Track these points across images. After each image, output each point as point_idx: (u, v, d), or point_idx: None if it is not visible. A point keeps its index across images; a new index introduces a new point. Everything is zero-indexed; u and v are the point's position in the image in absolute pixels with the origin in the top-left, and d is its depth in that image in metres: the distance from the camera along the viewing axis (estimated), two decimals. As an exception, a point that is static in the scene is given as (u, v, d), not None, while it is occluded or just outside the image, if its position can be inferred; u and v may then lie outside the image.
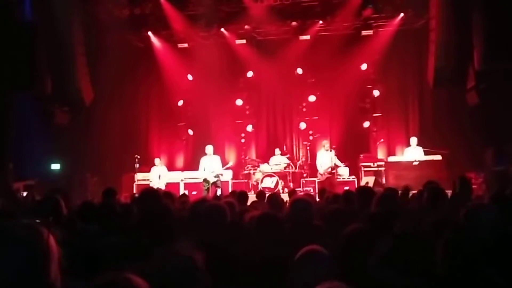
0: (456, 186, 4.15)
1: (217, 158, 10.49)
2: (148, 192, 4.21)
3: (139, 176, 11.72)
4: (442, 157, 10.46)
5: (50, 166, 11.20)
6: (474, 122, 10.53)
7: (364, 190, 4.86)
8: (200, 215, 3.14)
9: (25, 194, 9.30)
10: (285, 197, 8.09)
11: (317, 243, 2.68)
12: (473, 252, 2.32)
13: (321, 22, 12.27)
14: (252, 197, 7.32)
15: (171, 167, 12.84)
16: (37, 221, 1.61)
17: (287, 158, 12.25)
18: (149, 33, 12.73)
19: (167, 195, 5.70)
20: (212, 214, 3.13)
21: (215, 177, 10.17)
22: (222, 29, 12.63)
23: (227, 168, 11.09)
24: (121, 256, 2.70)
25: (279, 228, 3.12)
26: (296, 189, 10.20)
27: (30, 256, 1.50)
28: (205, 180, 10.27)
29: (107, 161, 11.85)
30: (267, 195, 6.31)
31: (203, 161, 10.37)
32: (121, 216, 3.92)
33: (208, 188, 10.18)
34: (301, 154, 13.07)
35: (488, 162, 10.23)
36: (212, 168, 10.23)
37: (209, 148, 10.48)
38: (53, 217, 2.60)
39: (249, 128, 13.35)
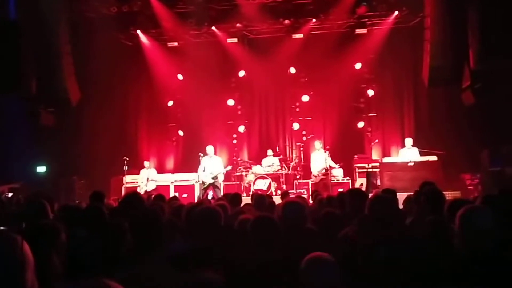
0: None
1: (218, 159, 10.58)
2: (132, 196, 4.08)
3: (127, 178, 11.43)
4: (438, 158, 10.32)
5: (36, 169, 10.96)
6: (470, 122, 10.44)
7: (356, 192, 4.70)
8: (194, 219, 3.15)
9: (10, 195, 9.06)
10: (277, 199, 7.87)
11: (309, 246, 2.66)
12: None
13: (314, 20, 12.07)
14: (245, 200, 7.09)
15: (161, 169, 12.60)
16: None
17: (280, 159, 12.02)
18: (138, 31, 12.45)
19: (159, 197, 5.62)
20: (206, 218, 3.12)
21: (212, 178, 10.09)
22: (213, 28, 12.39)
23: (226, 172, 11.00)
24: (108, 261, 2.67)
25: (276, 232, 3.03)
26: (289, 191, 9.99)
27: (6, 265, 1.51)
28: (202, 182, 10.35)
29: (95, 163, 11.57)
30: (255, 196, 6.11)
31: (204, 161, 10.41)
32: (108, 219, 3.78)
33: (205, 188, 10.22)
34: (294, 155, 12.85)
35: (484, 162, 10.09)
36: (211, 169, 10.13)
37: (210, 149, 10.56)
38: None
39: (241, 128, 13.14)
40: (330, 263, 2.17)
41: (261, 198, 5.30)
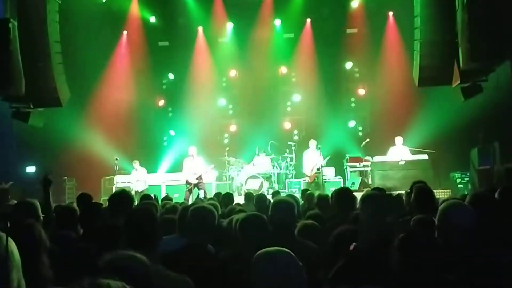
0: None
1: (200, 160, 10.34)
2: (119, 195, 4.01)
3: (118, 179, 11.35)
4: (428, 157, 10.38)
5: (25, 169, 10.82)
6: (460, 121, 10.49)
7: (342, 192, 4.61)
8: (189, 218, 3.07)
9: None
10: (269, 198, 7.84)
11: (299, 245, 2.71)
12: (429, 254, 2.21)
13: (306, 19, 12.11)
14: (236, 199, 7.08)
15: (152, 169, 12.49)
16: None
17: (272, 158, 12.01)
18: (128, 30, 12.37)
19: (149, 197, 5.57)
20: (199, 217, 3.05)
21: (196, 178, 9.96)
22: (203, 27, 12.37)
23: (209, 170, 10.87)
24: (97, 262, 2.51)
25: (264, 231, 2.99)
26: (281, 190, 9.99)
27: None
28: (187, 182, 10.15)
29: (85, 163, 11.49)
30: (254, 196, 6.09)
31: (186, 162, 10.23)
32: (99, 221, 3.72)
33: (190, 189, 10.00)
34: (286, 155, 12.84)
35: (473, 161, 10.18)
36: (194, 170, 10.01)
37: (192, 149, 10.32)
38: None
39: (233, 128, 13.09)
40: (289, 257, 1.89)
41: (263, 197, 5.29)
